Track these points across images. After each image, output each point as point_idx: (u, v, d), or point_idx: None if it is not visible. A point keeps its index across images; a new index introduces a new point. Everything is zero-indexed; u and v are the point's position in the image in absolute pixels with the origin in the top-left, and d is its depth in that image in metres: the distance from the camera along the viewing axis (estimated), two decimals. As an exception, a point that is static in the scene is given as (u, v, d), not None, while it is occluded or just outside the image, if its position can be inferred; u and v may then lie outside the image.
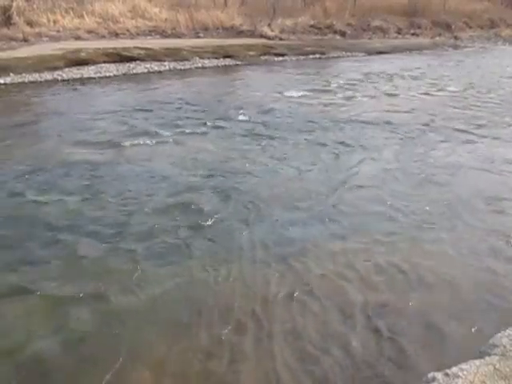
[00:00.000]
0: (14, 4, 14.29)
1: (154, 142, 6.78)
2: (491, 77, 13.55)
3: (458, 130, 7.85)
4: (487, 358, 2.63)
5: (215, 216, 4.64)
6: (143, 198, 5.03)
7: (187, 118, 8.15)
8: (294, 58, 15.70)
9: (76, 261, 3.89)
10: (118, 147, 6.54)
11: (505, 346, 2.72)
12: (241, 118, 8.25)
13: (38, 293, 3.48)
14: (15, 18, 14.26)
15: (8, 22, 14.10)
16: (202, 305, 3.40)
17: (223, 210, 4.80)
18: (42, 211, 4.67)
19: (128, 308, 3.36)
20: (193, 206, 4.84)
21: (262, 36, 17.97)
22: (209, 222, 4.53)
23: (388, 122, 8.17)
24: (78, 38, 14.91)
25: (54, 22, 15.29)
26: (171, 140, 6.90)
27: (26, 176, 5.50)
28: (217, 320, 3.25)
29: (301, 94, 10.40)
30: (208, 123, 7.79)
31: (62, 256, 3.94)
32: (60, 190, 5.17)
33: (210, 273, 3.77)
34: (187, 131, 7.33)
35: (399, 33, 22.26)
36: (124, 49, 13.43)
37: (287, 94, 10.36)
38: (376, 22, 21.92)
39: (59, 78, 11.13)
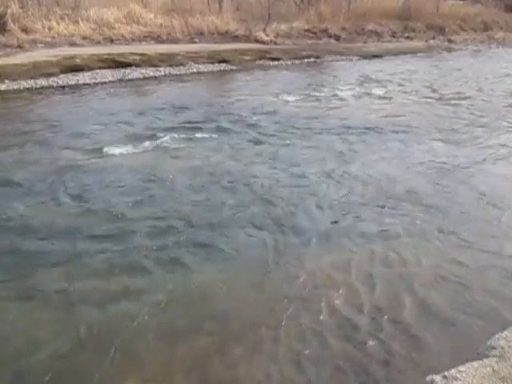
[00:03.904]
0: (9, 11, 14.26)
1: (151, 147, 6.78)
2: (488, 78, 13.64)
3: (457, 132, 7.89)
4: (485, 359, 2.64)
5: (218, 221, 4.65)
6: (139, 204, 5.03)
7: (183, 123, 8.14)
8: (289, 63, 15.73)
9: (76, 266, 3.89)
10: (114, 153, 6.53)
11: (503, 348, 2.73)
12: (237, 122, 8.25)
13: (40, 296, 3.49)
14: (10, 25, 14.22)
15: (3, 28, 14.06)
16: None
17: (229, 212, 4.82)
18: (35, 218, 4.66)
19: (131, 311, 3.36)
20: (198, 211, 4.85)
21: (257, 41, 17.99)
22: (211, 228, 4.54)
23: (386, 126, 8.21)
24: (73, 44, 14.88)
25: (49, 28, 15.25)
26: (167, 146, 6.90)
27: (20, 181, 5.50)
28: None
29: (297, 97, 10.43)
30: (205, 128, 7.80)
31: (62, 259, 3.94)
32: (53, 195, 5.17)
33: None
34: (183, 136, 7.33)
35: (394, 36, 22.34)
36: (119, 54, 13.43)
37: (283, 98, 10.37)
38: (370, 26, 22.00)
39: (54, 84, 11.12)
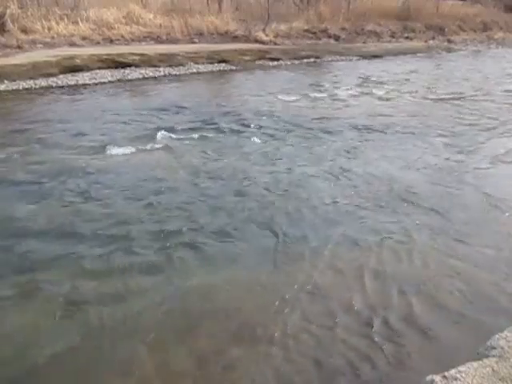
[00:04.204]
0: (8, 11, 14.24)
1: (151, 147, 6.78)
2: (488, 78, 13.64)
3: (460, 133, 7.89)
4: (485, 360, 2.63)
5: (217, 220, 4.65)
6: (139, 203, 5.02)
7: (183, 123, 8.14)
8: (288, 63, 15.73)
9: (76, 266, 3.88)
10: (114, 153, 6.53)
11: (502, 348, 2.72)
12: (238, 122, 8.25)
13: (38, 296, 3.48)
14: (9, 25, 14.21)
15: (2, 29, 14.06)
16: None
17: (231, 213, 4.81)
18: (36, 217, 4.66)
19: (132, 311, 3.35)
20: (199, 211, 4.85)
21: (256, 41, 17.99)
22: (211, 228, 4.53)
23: (387, 126, 8.20)
24: (72, 44, 14.87)
25: (49, 28, 15.24)
26: (167, 146, 6.90)
27: (20, 181, 5.50)
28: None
29: (297, 98, 10.43)
30: (205, 128, 7.79)
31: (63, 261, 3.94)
32: (54, 195, 5.16)
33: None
34: (183, 136, 7.33)
35: (393, 36, 22.34)
36: (119, 55, 13.42)
37: (283, 98, 10.37)
38: (370, 26, 21.99)
39: (54, 84, 11.11)
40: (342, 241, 4.35)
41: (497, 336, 2.86)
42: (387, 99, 10.60)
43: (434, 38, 23.00)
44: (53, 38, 14.98)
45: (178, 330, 3.21)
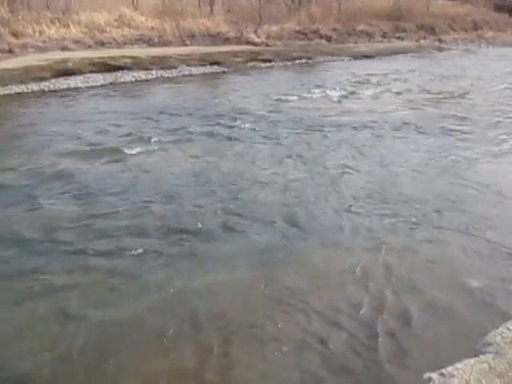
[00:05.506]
0: (-1, 15, 14.21)
1: (144, 150, 6.77)
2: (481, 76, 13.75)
3: (454, 130, 7.95)
4: (482, 356, 2.64)
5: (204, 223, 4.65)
6: (134, 205, 5.02)
7: (176, 125, 8.13)
8: (280, 64, 15.76)
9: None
10: (108, 156, 6.51)
11: (499, 344, 2.74)
12: (233, 123, 8.25)
13: (37, 299, 3.47)
14: (0, 29, 14.14)
15: (-8, 33, 14.01)
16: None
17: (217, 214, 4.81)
18: (33, 220, 4.64)
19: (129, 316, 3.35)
20: (190, 213, 4.85)
21: (248, 42, 18.02)
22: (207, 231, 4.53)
23: (380, 125, 8.24)
24: (64, 48, 14.81)
25: (40, 32, 15.17)
26: (161, 148, 6.89)
27: (12, 185, 5.47)
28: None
29: (290, 99, 10.44)
30: (198, 130, 7.79)
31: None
32: (49, 198, 5.14)
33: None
34: (176, 138, 7.32)
35: (384, 37, 22.44)
36: (111, 58, 13.38)
37: (276, 99, 10.38)
38: (361, 27, 22.07)
39: (46, 88, 11.06)
40: (340, 240, 4.37)
41: (493, 332, 2.88)
42: (380, 98, 10.64)
43: (425, 38, 23.14)
44: (44, 41, 14.90)
45: (177, 330, 3.20)
